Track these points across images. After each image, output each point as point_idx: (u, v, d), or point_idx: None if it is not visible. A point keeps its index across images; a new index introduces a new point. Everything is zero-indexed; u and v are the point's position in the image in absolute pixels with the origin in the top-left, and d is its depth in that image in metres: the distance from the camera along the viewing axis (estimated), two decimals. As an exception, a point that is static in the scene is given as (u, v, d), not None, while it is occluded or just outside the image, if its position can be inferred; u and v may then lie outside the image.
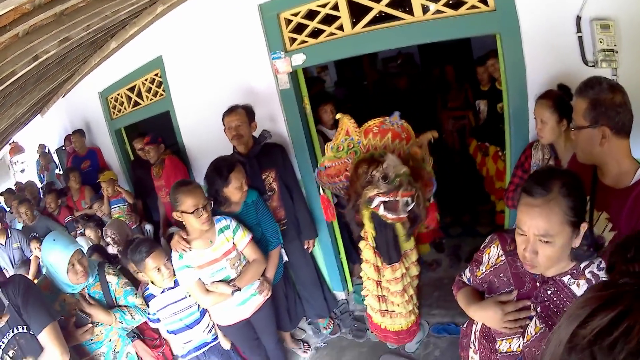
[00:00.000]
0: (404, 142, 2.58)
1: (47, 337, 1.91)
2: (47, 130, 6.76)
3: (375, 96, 5.58)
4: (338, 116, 2.63)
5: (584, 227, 1.22)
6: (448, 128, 4.64)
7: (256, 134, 2.93)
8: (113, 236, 3.38)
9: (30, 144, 7.82)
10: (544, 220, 1.19)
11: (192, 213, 2.21)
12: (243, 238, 2.44)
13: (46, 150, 6.90)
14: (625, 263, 0.71)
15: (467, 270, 1.70)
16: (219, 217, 2.43)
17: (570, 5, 2.16)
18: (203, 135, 3.47)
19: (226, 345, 2.69)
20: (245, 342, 2.69)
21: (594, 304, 0.62)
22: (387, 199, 2.21)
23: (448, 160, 4.76)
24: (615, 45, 2.12)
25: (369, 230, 2.46)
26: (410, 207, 2.26)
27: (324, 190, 2.71)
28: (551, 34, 2.22)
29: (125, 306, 2.37)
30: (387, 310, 2.64)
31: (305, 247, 3.14)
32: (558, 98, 2.10)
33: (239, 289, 2.36)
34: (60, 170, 6.52)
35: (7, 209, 5.94)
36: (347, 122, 2.58)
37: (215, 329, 2.66)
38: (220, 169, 2.43)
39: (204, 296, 2.35)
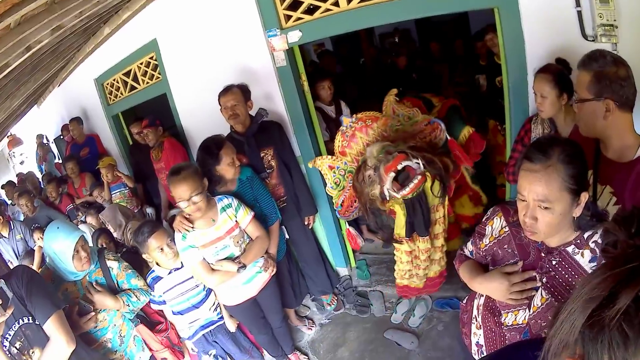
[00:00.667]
0: (374, 124, 2.66)
1: (52, 327, 1.90)
2: (44, 120, 6.72)
3: (372, 73, 5.54)
4: (310, 165, 2.88)
5: (585, 196, 1.22)
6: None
7: (252, 112, 2.92)
8: (107, 224, 3.41)
9: (28, 136, 7.78)
10: (543, 185, 1.20)
11: (179, 203, 2.23)
12: (245, 216, 2.45)
13: (44, 141, 6.87)
14: (630, 238, 0.70)
15: (469, 244, 1.69)
16: (220, 196, 2.43)
17: (569, -22, 2.13)
18: (201, 116, 3.46)
19: (232, 327, 2.73)
20: (252, 321, 2.72)
21: (611, 283, 0.60)
22: (392, 177, 2.28)
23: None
24: (615, 20, 2.09)
25: (399, 215, 2.56)
26: (421, 165, 2.32)
27: (346, 223, 2.96)
28: (550, 7, 2.19)
29: (129, 289, 2.39)
30: (415, 273, 2.80)
31: (306, 223, 3.15)
32: (558, 72, 2.08)
33: (244, 266, 2.37)
34: (59, 159, 6.50)
35: (9, 202, 5.95)
36: (323, 162, 2.81)
37: (221, 309, 2.69)
38: (209, 148, 2.44)
39: (210, 276, 2.34)
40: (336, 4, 2.70)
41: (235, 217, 2.42)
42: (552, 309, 1.31)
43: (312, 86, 3.28)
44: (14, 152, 8.65)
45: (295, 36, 2.87)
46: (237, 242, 2.42)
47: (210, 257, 2.37)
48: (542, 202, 1.21)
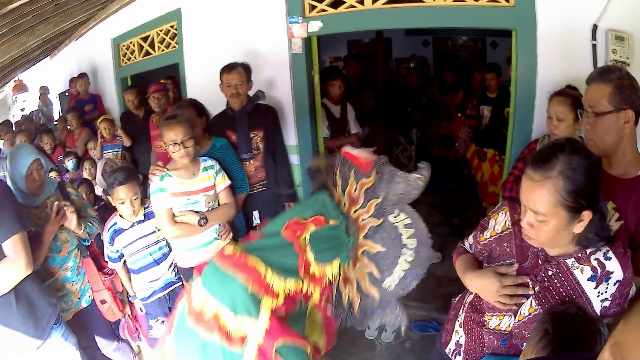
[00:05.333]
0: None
1: (13, 246, 1.83)
2: (53, 74, 6.74)
3: (384, 94, 5.60)
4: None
5: (587, 215, 1.16)
6: (462, 135, 4.66)
7: (251, 93, 2.94)
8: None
9: (35, 86, 7.78)
10: (536, 197, 1.17)
11: (169, 147, 2.30)
12: (222, 182, 2.52)
13: (47, 93, 6.89)
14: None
15: (470, 237, 1.63)
16: (205, 157, 2.50)
17: (588, 13, 2.20)
18: (209, 89, 3.46)
19: None
20: None
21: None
22: None
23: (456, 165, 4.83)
24: (627, 57, 2.16)
25: None
26: None
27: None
28: (566, 37, 2.26)
29: (84, 217, 2.40)
30: None
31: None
32: (575, 96, 2.08)
33: (206, 219, 2.38)
34: (59, 114, 6.50)
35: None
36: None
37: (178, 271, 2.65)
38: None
39: (171, 226, 2.35)
40: (361, 2, 2.75)
41: (214, 179, 2.48)
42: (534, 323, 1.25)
43: (323, 83, 3.31)
44: (16, 98, 8.60)
45: (316, 26, 2.91)
46: (208, 203, 2.45)
47: (178, 207, 2.38)
48: (534, 213, 1.18)
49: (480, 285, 1.42)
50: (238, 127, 2.82)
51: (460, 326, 1.57)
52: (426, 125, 5.42)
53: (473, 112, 4.59)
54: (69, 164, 4.27)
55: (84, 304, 2.45)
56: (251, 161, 2.89)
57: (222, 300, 1.81)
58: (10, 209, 1.87)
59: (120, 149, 4.22)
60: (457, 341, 1.58)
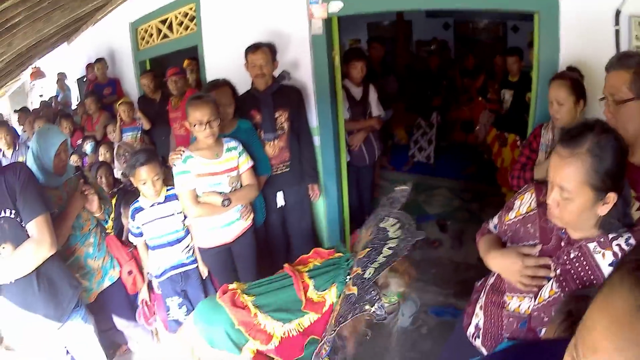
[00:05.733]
0: None
1: (38, 227, 1.87)
2: (71, 59, 6.79)
3: (405, 77, 5.52)
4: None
5: (612, 197, 1.16)
6: (482, 119, 4.59)
7: (276, 73, 2.93)
8: (118, 157, 3.44)
9: (53, 73, 7.85)
10: (564, 173, 1.16)
11: (194, 126, 2.31)
12: (245, 163, 2.53)
13: (64, 79, 6.94)
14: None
15: (495, 217, 1.62)
16: (229, 138, 2.51)
17: (611, -2, 2.16)
18: (228, 71, 3.43)
19: (204, 271, 2.72)
20: (222, 269, 2.69)
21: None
22: None
23: (475, 150, 4.77)
24: (650, 43, 2.10)
25: None
26: None
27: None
28: (589, 22, 2.21)
29: (103, 198, 2.47)
30: None
31: (311, 193, 3.14)
32: (574, 79, 2.05)
33: (230, 200, 2.41)
34: (78, 100, 6.57)
35: (21, 128, 5.98)
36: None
37: (195, 253, 2.68)
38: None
39: (194, 206, 2.37)
40: (383, -18, 2.70)
41: (238, 160, 2.49)
42: (557, 305, 1.25)
43: (345, 64, 3.28)
44: (34, 84, 8.69)
45: (336, 7, 2.86)
46: (231, 184, 2.47)
47: (201, 187, 2.41)
48: (561, 189, 1.18)
49: (503, 264, 1.40)
50: (263, 107, 2.81)
51: (481, 309, 1.56)
52: (446, 109, 5.35)
53: (494, 97, 4.51)
54: (87, 147, 4.33)
55: (106, 283, 2.50)
56: (275, 141, 2.88)
57: (201, 332, 1.89)
58: (34, 191, 1.91)
59: (140, 132, 4.24)
60: (477, 324, 1.57)
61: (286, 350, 1.89)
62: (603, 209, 1.18)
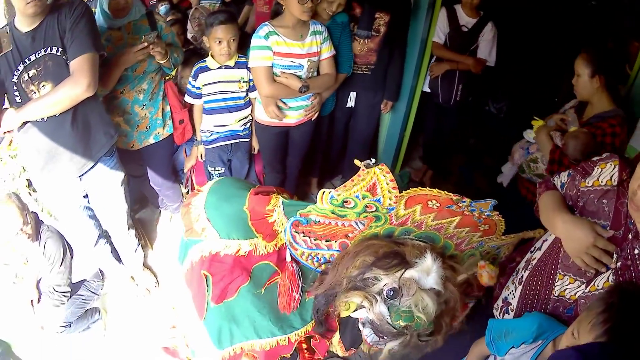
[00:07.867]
0: (477, 235, 1.50)
1: (80, 65, 1.78)
2: None
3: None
4: (357, 163, 1.41)
5: None
6: None
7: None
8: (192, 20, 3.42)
9: None
10: None
11: None
12: (328, 50, 2.45)
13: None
14: None
15: (564, 174, 1.41)
16: (315, 20, 2.40)
17: None
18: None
19: (256, 147, 2.74)
20: (275, 150, 2.71)
21: None
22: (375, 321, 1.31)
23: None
24: None
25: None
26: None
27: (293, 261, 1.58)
28: None
29: (171, 44, 2.40)
30: None
31: (383, 105, 3.01)
32: (598, 52, 2.03)
33: (308, 87, 2.38)
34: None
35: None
36: (378, 175, 1.36)
37: (251, 126, 2.68)
38: None
39: (268, 84, 2.33)
40: None
41: (321, 46, 2.41)
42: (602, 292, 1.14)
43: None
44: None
45: None
46: (310, 69, 2.41)
47: (279, 67, 2.35)
48: None
49: (573, 232, 1.21)
50: (365, 2, 2.60)
51: (513, 283, 1.45)
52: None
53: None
54: (162, 9, 4.18)
55: (150, 140, 2.50)
56: (366, 40, 2.68)
57: (213, 222, 1.59)
58: (85, 29, 1.82)
59: (219, 2, 4.07)
60: (506, 298, 1.47)
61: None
62: None
